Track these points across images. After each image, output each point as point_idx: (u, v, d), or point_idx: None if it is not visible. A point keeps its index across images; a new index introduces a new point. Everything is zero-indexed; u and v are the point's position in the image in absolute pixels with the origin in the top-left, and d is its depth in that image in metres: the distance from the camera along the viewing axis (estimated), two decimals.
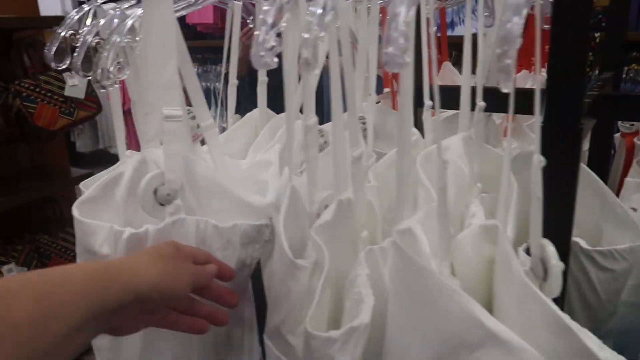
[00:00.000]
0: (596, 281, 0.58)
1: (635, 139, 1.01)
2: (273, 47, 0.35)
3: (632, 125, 1.03)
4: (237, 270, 0.53)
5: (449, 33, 1.56)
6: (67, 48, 0.57)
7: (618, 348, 0.36)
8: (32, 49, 1.90)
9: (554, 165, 0.43)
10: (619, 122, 1.02)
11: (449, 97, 0.74)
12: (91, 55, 0.56)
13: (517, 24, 0.32)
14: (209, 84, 3.32)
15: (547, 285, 0.42)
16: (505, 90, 0.31)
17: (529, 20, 1.03)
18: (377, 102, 0.95)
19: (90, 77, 0.55)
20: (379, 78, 0.80)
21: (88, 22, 0.58)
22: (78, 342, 0.37)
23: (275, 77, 0.87)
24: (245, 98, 1.19)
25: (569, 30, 0.45)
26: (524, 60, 1.05)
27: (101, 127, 4.24)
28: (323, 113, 0.82)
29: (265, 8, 0.39)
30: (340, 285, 0.49)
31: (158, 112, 0.51)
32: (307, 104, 0.46)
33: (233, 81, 0.85)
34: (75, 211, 0.52)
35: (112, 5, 0.59)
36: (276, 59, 0.36)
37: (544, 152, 0.43)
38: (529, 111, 0.72)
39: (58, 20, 0.67)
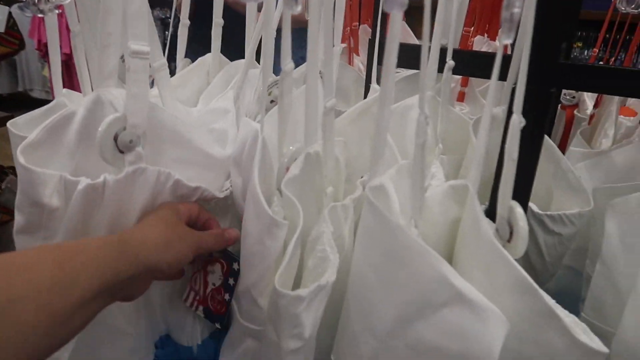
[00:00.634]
0: (543, 244, 0.61)
1: (575, 111, 1.06)
2: None
3: (574, 97, 1.07)
4: None
5: None
6: None
7: None
8: None
9: (524, 128, 0.42)
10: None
11: (410, 56, 0.72)
12: None
13: None
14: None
15: (512, 246, 0.43)
16: (507, 42, 0.30)
17: None
18: None
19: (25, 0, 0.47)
20: None
21: None
22: (90, 312, 0.38)
23: (230, 18, 0.82)
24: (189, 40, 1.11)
25: None
26: (480, 26, 1.05)
27: (21, 68, 3.88)
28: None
29: None
30: (303, 241, 0.47)
31: (117, 46, 0.45)
32: (285, 50, 0.42)
33: (184, 21, 0.78)
34: (21, 158, 0.44)
35: None
36: None
37: (510, 113, 0.43)
38: (488, 74, 0.73)
39: None
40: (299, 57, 0.49)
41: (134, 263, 0.40)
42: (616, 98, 0.86)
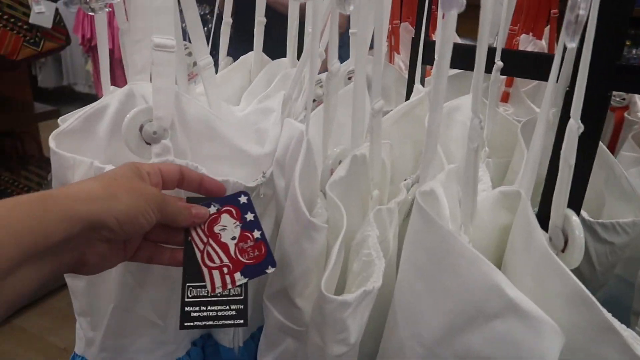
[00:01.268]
0: (593, 253, 0.58)
1: (625, 114, 1.01)
2: None
3: (624, 99, 1.03)
4: None
5: None
6: None
7: None
8: None
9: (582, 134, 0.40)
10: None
11: (456, 56, 0.71)
12: None
13: None
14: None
15: (566, 256, 0.41)
16: (571, 45, 0.28)
17: None
18: None
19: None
20: None
21: None
22: (21, 283, 0.32)
23: (268, 17, 0.82)
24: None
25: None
26: (525, 24, 1.02)
27: (66, 63, 4.01)
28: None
29: None
30: (347, 244, 0.46)
31: (148, 41, 0.46)
32: (331, 50, 0.41)
33: (227, 19, 0.78)
34: (52, 142, 0.47)
35: None
36: None
37: (565, 117, 0.41)
38: (538, 75, 0.70)
39: None
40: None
41: (65, 220, 0.34)
42: None
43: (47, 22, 1.71)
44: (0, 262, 0.30)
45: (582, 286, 0.37)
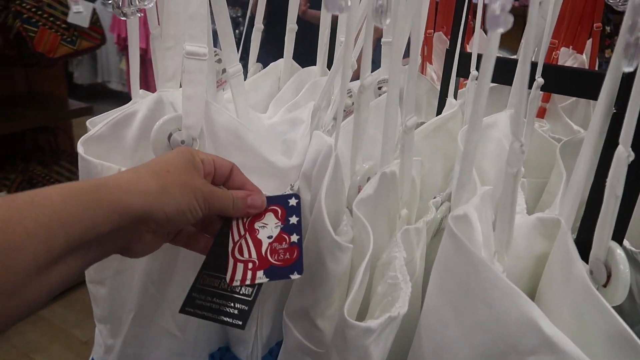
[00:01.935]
0: (634, 285, 0.55)
1: None
2: None
3: None
4: None
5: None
6: None
7: None
8: None
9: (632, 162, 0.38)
10: None
11: (496, 70, 0.68)
12: None
13: None
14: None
15: (608, 292, 0.39)
16: (629, 70, 0.26)
17: None
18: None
19: (110, 2, 0.48)
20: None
21: None
22: (65, 273, 0.32)
23: (304, 25, 0.81)
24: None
25: None
26: (566, 37, 0.98)
27: (101, 60, 4.10)
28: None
29: None
30: (372, 264, 0.45)
31: (180, 47, 0.45)
32: (365, 63, 0.40)
33: (258, 25, 0.78)
34: (81, 148, 0.46)
35: None
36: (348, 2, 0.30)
37: (611, 142, 0.38)
38: (580, 92, 0.67)
39: None
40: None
41: (116, 212, 0.34)
42: None
43: (84, 22, 1.74)
44: (50, 252, 0.30)
45: (626, 326, 0.34)
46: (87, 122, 0.58)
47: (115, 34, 3.66)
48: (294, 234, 0.44)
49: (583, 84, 0.60)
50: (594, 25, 0.93)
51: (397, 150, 0.46)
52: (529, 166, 0.62)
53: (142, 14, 0.51)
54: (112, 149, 0.48)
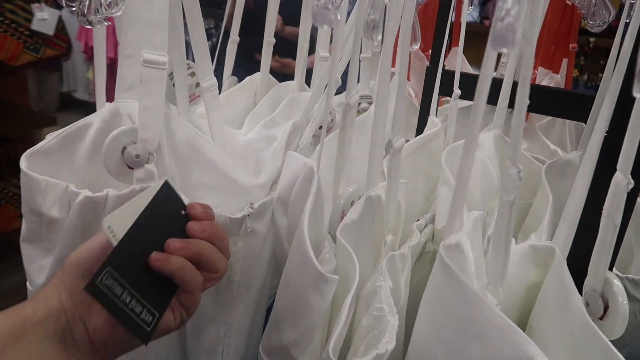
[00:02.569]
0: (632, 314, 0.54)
1: None
2: (341, 1, 0.26)
3: None
4: None
5: None
6: None
7: None
8: None
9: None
10: None
11: (473, 88, 0.67)
12: None
13: None
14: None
15: (605, 325, 0.37)
16: (638, 95, 0.24)
17: (549, 11, 0.95)
18: None
19: (74, 9, 0.44)
20: None
21: None
22: None
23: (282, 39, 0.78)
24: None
25: None
26: (543, 57, 0.99)
27: (66, 69, 3.97)
28: None
29: None
30: (356, 295, 0.42)
31: (139, 56, 0.42)
32: (351, 81, 0.37)
33: (234, 37, 0.75)
34: (24, 162, 0.42)
35: None
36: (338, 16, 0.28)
37: (604, 166, 0.37)
38: (563, 113, 0.66)
39: None
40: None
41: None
42: None
43: (49, 29, 1.68)
44: None
45: None
46: (47, 136, 0.53)
47: (83, 43, 3.56)
48: None
49: (566, 104, 0.59)
50: (570, 45, 0.93)
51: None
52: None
53: (110, 23, 0.48)
54: (61, 164, 0.44)
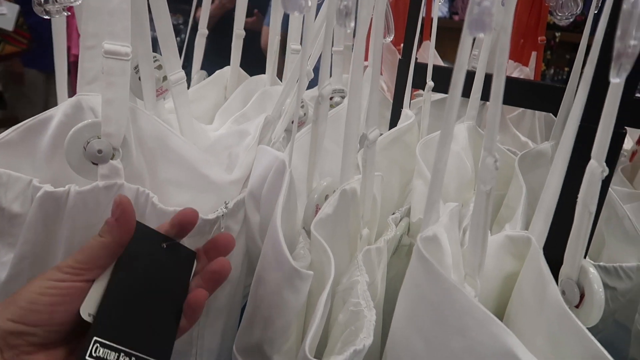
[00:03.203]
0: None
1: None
2: None
3: None
4: None
5: None
6: None
7: None
8: None
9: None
10: None
11: (446, 81, 0.67)
12: None
13: None
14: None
15: (582, 313, 0.37)
16: (615, 81, 0.24)
17: (518, 4, 0.97)
18: None
19: None
20: None
21: None
22: None
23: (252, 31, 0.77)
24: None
25: None
26: (512, 50, 1.00)
27: None
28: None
29: None
30: (332, 290, 0.41)
31: (101, 47, 0.40)
32: (324, 71, 0.36)
33: (202, 30, 0.73)
34: None
35: None
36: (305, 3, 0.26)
37: (579, 154, 0.37)
38: (531, 104, 0.67)
39: None
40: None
41: None
42: None
43: (8, 25, 1.61)
44: None
45: (604, 351, 0.32)
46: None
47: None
48: None
49: (537, 96, 0.60)
50: (539, 38, 0.94)
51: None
52: None
53: (69, 13, 0.45)
54: (23, 158, 0.42)
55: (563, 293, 0.37)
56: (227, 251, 0.39)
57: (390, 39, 0.72)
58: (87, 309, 0.32)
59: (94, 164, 0.39)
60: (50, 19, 0.45)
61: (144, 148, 0.44)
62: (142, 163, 0.44)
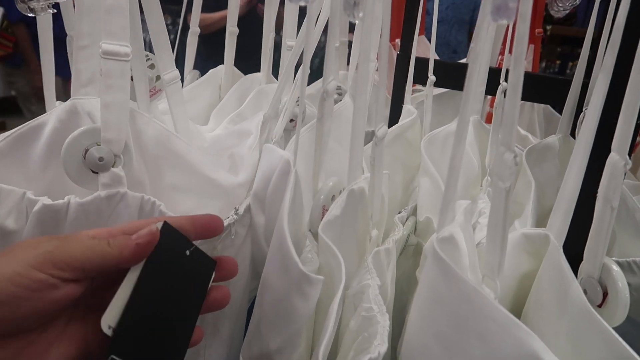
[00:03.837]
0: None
1: None
2: None
3: None
4: None
5: None
6: None
7: None
8: None
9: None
10: None
11: (452, 76, 0.65)
12: None
13: None
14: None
15: (605, 313, 0.35)
16: None
17: None
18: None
19: None
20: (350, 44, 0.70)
21: None
22: None
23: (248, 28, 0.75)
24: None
25: None
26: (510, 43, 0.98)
27: None
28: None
29: None
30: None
31: (97, 47, 0.37)
32: (328, 66, 0.34)
33: (194, 29, 0.71)
34: None
35: None
36: None
37: (598, 148, 0.36)
38: (535, 97, 0.65)
39: None
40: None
41: None
42: None
43: None
44: None
45: (632, 351, 0.31)
46: None
47: None
48: None
49: (542, 88, 0.58)
50: (536, 30, 0.93)
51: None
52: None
53: (55, 10, 0.43)
54: (14, 168, 0.39)
55: (585, 292, 0.36)
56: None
57: None
58: (108, 321, 0.29)
59: (94, 172, 0.37)
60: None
61: (145, 153, 0.41)
62: (143, 169, 0.42)
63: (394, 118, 0.68)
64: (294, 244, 0.37)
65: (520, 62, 0.29)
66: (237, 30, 0.69)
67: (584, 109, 0.52)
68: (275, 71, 0.70)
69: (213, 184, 0.44)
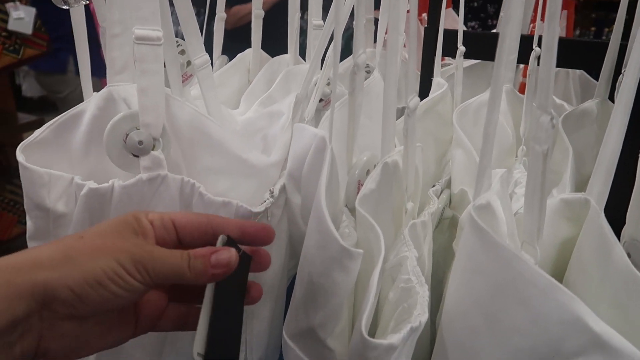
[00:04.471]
0: None
1: None
2: None
3: None
4: None
5: None
6: None
7: None
8: None
9: None
10: None
11: (481, 47, 0.64)
12: None
13: None
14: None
15: None
16: None
17: None
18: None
19: None
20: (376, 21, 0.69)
21: None
22: None
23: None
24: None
25: None
26: (543, 9, 0.95)
27: None
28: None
29: None
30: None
31: (129, 34, 0.38)
32: (358, 41, 0.34)
33: (221, 14, 0.71)
34: (21, 156, 0.39)
35: None
36: None
37: (637, 108, 0.34)
38: (571, 63, 0.64)
39: None
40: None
41: (5, 299, 0.26)
42: None
43: (26, 29, 1.62)
44: None
45: None
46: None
47: None
48: None
49: (576, 54, 0.56)
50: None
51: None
52: (529, 144, 0.58)
53: (89, 2, 0.44)
54: (57, 155, 0.41)
55: (628, 255, 0.35)
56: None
57: None
58: (197, 349, 0.30)
59: (135, 156, 0.38)
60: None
61: (180, 137, 0.43)
62: (179, 152, 0.43)
63: (423, 92, 0.67)
64: (332, 220, 0.38)
65: (555, 19, 0.28)
66: (262, 13, 0.70)
67: (622, 71, 0.50)
68: (300, 53, 0.70)
69: (247, 164, 0.45)
